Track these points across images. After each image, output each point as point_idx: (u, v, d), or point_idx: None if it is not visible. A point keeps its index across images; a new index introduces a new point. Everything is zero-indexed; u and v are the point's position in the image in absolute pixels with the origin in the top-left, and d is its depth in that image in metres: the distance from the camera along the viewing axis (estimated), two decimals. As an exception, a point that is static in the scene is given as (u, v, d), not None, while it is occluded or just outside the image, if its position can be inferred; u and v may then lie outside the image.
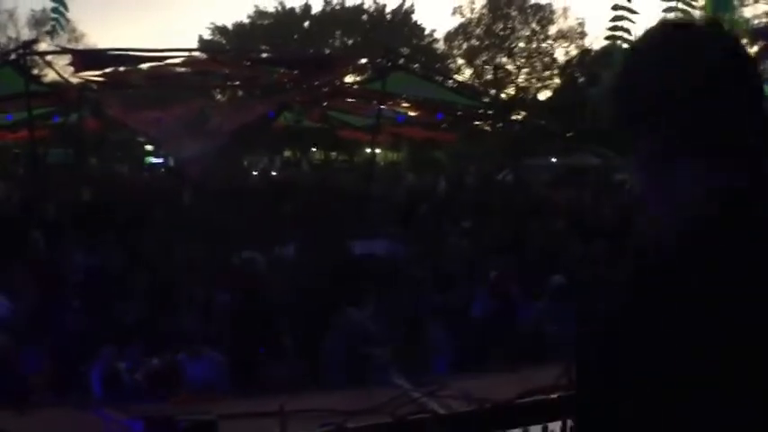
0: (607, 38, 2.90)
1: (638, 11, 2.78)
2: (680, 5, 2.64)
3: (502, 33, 42.03)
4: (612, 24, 2.85)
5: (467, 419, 2.05)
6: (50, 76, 17.87)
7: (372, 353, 6.00)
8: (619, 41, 2.83)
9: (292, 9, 42.16)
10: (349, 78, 19.91)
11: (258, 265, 9.72)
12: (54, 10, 2.72)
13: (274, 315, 7.59)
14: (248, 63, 17.01)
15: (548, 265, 9.24)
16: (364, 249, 9.52)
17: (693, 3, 2.65)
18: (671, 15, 2.61)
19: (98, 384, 5.77)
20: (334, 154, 31.00)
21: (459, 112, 18.18)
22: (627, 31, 2.84)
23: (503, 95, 39.53)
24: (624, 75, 1.12)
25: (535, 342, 7.26)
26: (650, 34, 1.14)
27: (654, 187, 1.08)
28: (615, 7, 2.81)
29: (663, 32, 1.14)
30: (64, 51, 15.00)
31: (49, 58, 14.11)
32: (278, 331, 7.16)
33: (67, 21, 2.89)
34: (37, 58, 13.51)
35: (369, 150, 18.98)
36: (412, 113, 17.89)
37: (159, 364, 5.84)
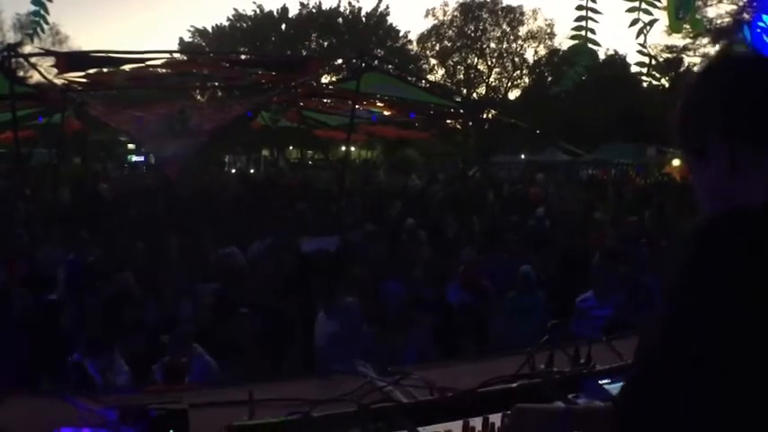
0: (572, 38, 2.90)
1: (601, 11, 2.82)
2: (643, 5, 2.69)
3: (473, 35, 42.56)
4: (577, 24, 2.84)
5: (429, 408, 2.11)
6: (35, 77, 18.08)
7: (341, 344, 6.11)
8: (584, 41, 2.88)
9: (270, 12, 42.47)
10: (325, 79, 20.31)
11: (237, 259, 9.77)
12: (34, 13, 2.72)
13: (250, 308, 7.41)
14: (227, 64, 17.26)
15: (519, 257, 9.21)
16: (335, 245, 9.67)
17: (657, 3, 2.71)
18: (634, 15, 2.71)
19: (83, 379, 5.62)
20: (310, 152, 31.26)
21: (431, 111, 18.49)
22: (591, 30, 2.83)
23: (474, 95, 40.20)
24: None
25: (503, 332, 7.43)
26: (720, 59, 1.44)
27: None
28: (579, 7, 2.80)
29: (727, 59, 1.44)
30: (48, 54, 15.14)
31: (33, 60, 14.17)
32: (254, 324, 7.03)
33: (48, 24, 2.84)
34: (22, 60, 13.68)
35: (343, 149, 19.27)
36: (386, 113, 18.17)
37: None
